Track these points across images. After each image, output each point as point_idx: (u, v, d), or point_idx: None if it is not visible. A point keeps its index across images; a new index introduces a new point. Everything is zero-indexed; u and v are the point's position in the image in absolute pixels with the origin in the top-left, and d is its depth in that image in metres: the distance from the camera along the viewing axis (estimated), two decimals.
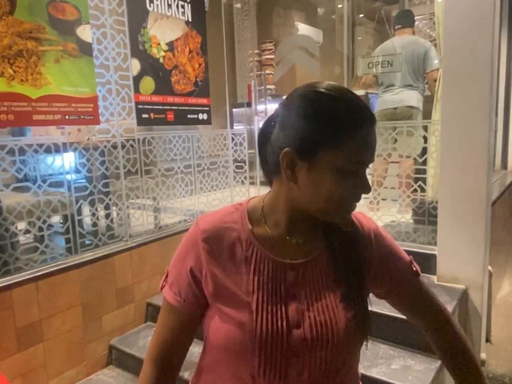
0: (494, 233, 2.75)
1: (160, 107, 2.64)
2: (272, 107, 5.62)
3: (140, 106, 2.51)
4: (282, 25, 7.41)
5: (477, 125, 2.10)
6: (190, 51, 2.81)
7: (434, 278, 2.30)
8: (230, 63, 4.42)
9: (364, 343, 0.79)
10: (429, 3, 3.26)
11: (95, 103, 2.21)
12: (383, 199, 2.91)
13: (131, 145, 2.49)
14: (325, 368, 0.74)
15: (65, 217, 2.23)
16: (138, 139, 2.53)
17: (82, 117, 2.15)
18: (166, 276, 0.83)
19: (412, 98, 3.34)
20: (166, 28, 2.64)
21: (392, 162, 3.09)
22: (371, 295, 0.85)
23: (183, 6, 2.74)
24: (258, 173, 3.54)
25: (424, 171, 2.65)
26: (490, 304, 2.48)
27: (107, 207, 2.44)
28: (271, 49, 6.11)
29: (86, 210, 2.34)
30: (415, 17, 3.72)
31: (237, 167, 3.44)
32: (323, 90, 0.70)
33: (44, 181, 2.07)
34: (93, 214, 2.34)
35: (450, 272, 2.25)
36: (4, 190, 1.94)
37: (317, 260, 0.79)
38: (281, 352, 0.72)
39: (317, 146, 0.69)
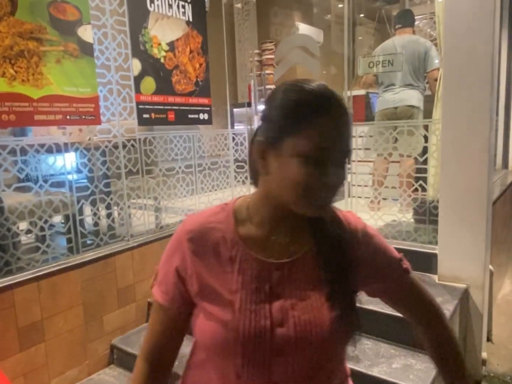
0: (495, 232, 2.75)
1: (161, 107, 2.64)
2: None
3: (141, 106, 2.52)
4: (283, 25, 7.41)
5: (477, 124, 2.11)
6: (191, 51, 2.82)
7: (435, 277, 2.31)
8: (230, 63, 4.43)
9: (351, 342, 0.79)
10: (429, 2, 3.27)
11: (96, 103, 2.22)
12: (384, 199, 2.91)
13: (132, 145, 2.49)
14: (310, 367, 0.74)
15: (66, 217, 2.24)
16: (139, 139, 2.53)
17: (84, 117, 2.16)
18: (156, 275, 0.84)
19: (413, 97, 3.34)
20: (167, 28, 2.65)
21: (392, 162, 3.09)
22: (364, 294, 0.85)
23: (183, 6, 2.74)
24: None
25: (425, 170, 2.65)
26: (491, 303, 2.48)
27: (108, 207, 2.45)
28: (271, 49, 6.11)
29: (87, 210, 2.34)
30: (416, 17, 3.73)
31: (238, 167, 3.44)
32: (295, 82, 0.72)
33: (45, 181, 2.07)
34: (95, 214, 2.35)
35: (451, 271, 2.25)
36: (6, 190, 1.94)
37: (303, 259, 0.79)
38: (264, 351, 0.72)
39: (282, 133, 0.70)
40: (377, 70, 2.81)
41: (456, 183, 2.20)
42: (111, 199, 2.42)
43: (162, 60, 2.63)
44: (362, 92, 4.32)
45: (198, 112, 2.91)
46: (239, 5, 5.55)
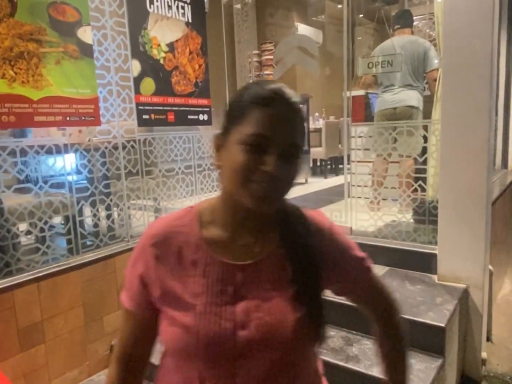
0: (494, 232, 2.76)
1: (161, 108, 2.65)
2: None
3: (140, 107, 2.52)
4: (282, 26, 7.42)
5: (477, 124, 2.11)
6: (191, 52, 2.82)
7: (435, 277, 2.31)
8: (230, 63, 4.43)
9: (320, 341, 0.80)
10: (428, 3, 3.27)
11: (96, 104, 2.22)
12: (384, 199, 2.91)
13: (132, 146, 2.49)
14: (274, 368, 0.74)
15: (66, 218, 2.24)
16: (139, 140, 2.54)
17: (83, 118, 2.16)
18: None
19: (412, 98, 3.34)
20: (167, 29, 2.65)
21: (392, 162, 3.10)
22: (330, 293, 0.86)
23: (183, 7, 2.75)
24: None
25: (424, 171, 2.65)
26: (491, 303, 2.48)
27: (108, 208, 2.45)
28: (271, 50, 6.13)
29: (87, 211, 2.35)
30: (415, 17, 3.73)
31: None
32: (252, 82, 0.78)
33: (45, 182, 2.07)
34: (94, 215, 2.35)
35: (450, 271, 2.25)
36: (5, 192, 1.94)
37: (268, 260, 0.79)
38: (227, 353, 0.72)
39: (230, 124, 0.74)
40: (376, 71, 2.82)
41: (455, 183, 2.20)
42: (111, 200, 2.42)
43: (161, 61, 2.64)
44: (361, 92, 4.32)
45: (197, 113, 2.91)
46: (238, 6, 5.55)
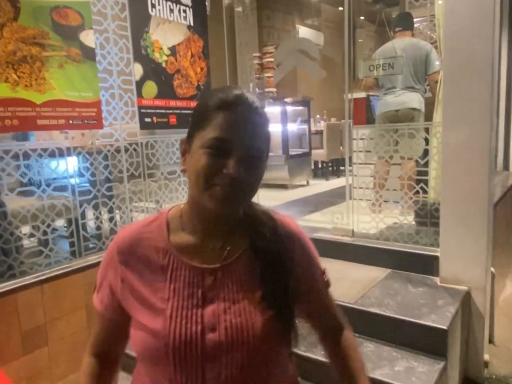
0: (496, 234, 2.75)
1: (163, 111, 2.66)
2: (272, 110, 5.64)
3: (142, 110, 2.53)
4: (283, 28, 7.43)
5: (478, 127, 2.11)
6: (192, 55, 2.83)
7: (436, 280, 2.31)
8: (231, 66, 4.45)
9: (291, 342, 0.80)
10: (429, 5, 3.28)
11: (99, 108, 2.23)
12: (385, 201, 2.91)
13: (134, 149, 2.50)
14: (244, 371, 0.74)
15: (69, 221, 2.25)
16: (141, 143, 2.54)
17: (86, 121, 2.17)
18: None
19: (414, 100, 3.35)
20: (168, 32, 2.66)
21: (394, 164, 3.10)
22: None
23: (185, 11, 2.76)
24: None
25: (426, 173, 2.65)
26: (493, 305, 2.48)
27: (110, 211, 2.46)
28: (272, 52, 6.14)
29: (90, 213, 2.36)
30: (416, 19, 3.74)
31: None
32: (214, 88, 0.79)
33: (48, 185, 2.08)
34: (97, 218, 2.36)
35: (452, 274, 2.25)
36: (9, 195, 1.95)
37: (237, 263, 0.80)
38: (196, 356, 0.73)
39: (194, 129, 0.76)
40: (378, 73, 2.82)
41: (457, 186, 2.21)
42: (113, 203, 2.43)
43: (163, 65, 2.65)
44: (362, 95, 4.33)
45: None
46: (239, 9, 5.57)
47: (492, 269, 2.28)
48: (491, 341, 2.55)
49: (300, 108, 5.95)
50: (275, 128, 5.50)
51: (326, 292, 0.92)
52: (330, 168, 6.46)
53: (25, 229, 2.13)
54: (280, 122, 5.42)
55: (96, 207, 2.34)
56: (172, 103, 2.72)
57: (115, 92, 2.36)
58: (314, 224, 3.18)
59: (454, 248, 2.24)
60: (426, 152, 2.66)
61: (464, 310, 2.18)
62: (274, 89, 6.34)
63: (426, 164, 2.65)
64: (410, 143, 2.70)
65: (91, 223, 2.40)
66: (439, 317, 1.92)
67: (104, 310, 0.84)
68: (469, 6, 2.08)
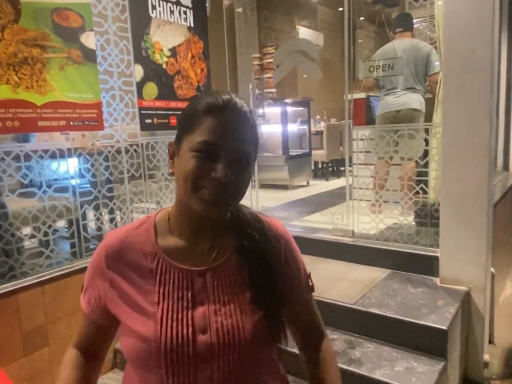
0: (496, 235, 2.76)
1: (163, 112, 2.66)
2: (273, 110, 5.64)
3: (143, 112, 2.53)
4: (283, 29, 7.44)
5: (478, 127, 2.12)
6: (193, 57, 2.84)
7: (436, 280, 2.31)
8: (232, 67, 4.46)
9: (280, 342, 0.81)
10: (429, 5, 3.29)
11: (99, 109, 2.23)
12: (385, 202, 2.92)
13: (135, 150, 2.51)
14: (235, 372, 0.75)
15: (70, 222, 2.25)
16: (142, 144, 2.55)
17: (87, 123, 2.18)
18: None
19: (415, 100, 3.36)
20: (169, 34, 2.67)
21: (393, 165, 3.11)
22: None
23: (185, 12, 2.77)
24: (256, 176, 3.58)
25: (426, 173, 2.66)
26: (492, 306, 2.48)
27: (111, 212, 2.46)
28: (272, 53, 6.15)
29: (90, 214, 2.36)
30: (415, 19, 3.74)
31: None
32: (203, 92, 0.78)
33: (49, 187, 2.09)
34: (98, 219, 2.36)
35: (452, 274, 2.26)
36: (10, 196, 1.96)
37: (226, 265, 0.80)
38: (187, 359, 0.73)
39: (182, 133, 0.76)
40: (377, 74, 2.83)
41: (457, 186, 2.21)
42: (114, 204, 2.44)
43: (164, 66, 2.65)
44: (362, 95, 4.34)
45: None
46: (239, 10, 5.58)
47: (492, 269, 2.29)
48: (491, 341, 2.56)
49: (300, 108, 5.96)
50: (275, 129, 5.51)
51: (309, 297, 0.92)
52: (330, 169, 6.46)
53: (26, 230, 2.14)
54: (280, 122, 5.43)
55: (96, 208, 2.34)
56: (173, 104, 2.72)
57: (115, 93, 2.37)
58: (314, 225, 3.19)
59: (454, 249, 2.25)
60: (426, 153, 2.66)
61: (464, 311, 2.18)
62: (274, 90, 6.35)
63: (426, 165, 2.65)
64: (410, 143, 2.70)
65: (92, 224, 2.41)
66: (439, 317, 1.93)
67: (90, 313, 0.85)
68: (468, 7, 2.09)
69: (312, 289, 0.92)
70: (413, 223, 2.77)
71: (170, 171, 0.80)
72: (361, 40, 7.63)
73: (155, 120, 2.61)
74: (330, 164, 6.42)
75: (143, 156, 2.56)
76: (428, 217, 2.63)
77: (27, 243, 2.15)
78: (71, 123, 2.11)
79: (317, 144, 6.29)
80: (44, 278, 2.01)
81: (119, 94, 2.39)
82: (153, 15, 2.57)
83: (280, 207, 4.19)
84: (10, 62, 1.87)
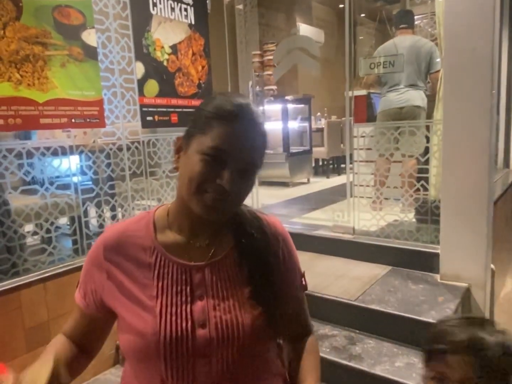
0: (496, 231, 2.76)
1: (164, 109, 2.67)
2: (273, 108, 5.64)
3: (144, 109, 2.54)
4: (284, 26, 7.42)
5: (478, 124, 2.12)
6: (193, 54, 2.84)
7: (437, 277, 2.32)
8: (232, 64, 4.45)
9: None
10: (430, 1, 3.28)
11: (101, 106, 2.24)
12: (386, 199, 2.93)
13: (136, 147, 2.51)
14: (234, 366, 0.75)
15: (72, 219, 2.27)
16: (143, 141, 2.56)
17: (88, 120, 2.18)
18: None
19: (418, 97, 3.36)
20: (170, 31, 2.67)
21: (394, 162, 3.11)
22: None
23: (186, 9, 2.77)
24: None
25: (426, 171, 2.66)
26: (492, 302, 2.49)
27: (113, 209, 2.47)
28: (273, 50, 6.13)
29: (92, 211, 2.37)
30: (416, 16, 3.74)
31: None
32: (221, 93, 0.78)
33: (51, 184, 2.10)
34: (100, 216, 2.37)
35: (453, 271, 2.27)
36: (12, 193, 1.97)
37: (225, 261, 0.81)
38: (187, 353, 0.73)
39: (193, 131, 0.76)
40: (378, 71, 2.83)
41: (457, 183, 2.22)
42: (116, 201, 2.45)
43: (165, 63, 2.66)
44: (363, 92, 4.34)
45: None
46: (240, 6, 5.56)
47: (492, 266, 2.29)
48: None
49: (301, 105, 5.96)
50: (275, 126, 5.51)
51: (302, 295, 0.93)
52: (331, 166, 6.47)
53: (29, 227, 2.15)
54: (281, 120, 5.43)
55: (98, 205, 2.35)
56: (174, 101, 2.73)
57: (117, 90, 2.37)
58: (315, 222, 3.19)
59: (454, 245, 2.26)
60: (426, 150, 2.67)
61: (464, 307, 2.19)
62: (274, 87, 6.35)
63: (426, 162, 2.65)
64: (411, 140, 2.71)
65: (93, 221, 2.42)
66: (439, 313, 1.94)
67: (85, 307, 0.84)
68: (469, 4, 2.09)
69: (305, 287, 0.93)
70: (414, 220, 2.78)
71: (174, 166, 0.80)
72: (362, 37, 7.61)
73: (156, 117, 2.61)
74: (330, 161, 6.42)
75: (145, 154, 2.57)
76: (428, 214, 2.63)
77: (29, 240, 2.16)
78: (73, 120, 2.11)
79: (318, 141, 6.29)
80: (47, 274, 2.02)
81: (120, 91, 2.40)
82: (154, 12, 2.57)
83: (280, 204, 4.20)
84: (12, 60, 1.88)
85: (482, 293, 2.21)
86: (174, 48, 2.71)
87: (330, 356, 1.89)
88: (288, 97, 5.65)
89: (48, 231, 2.12)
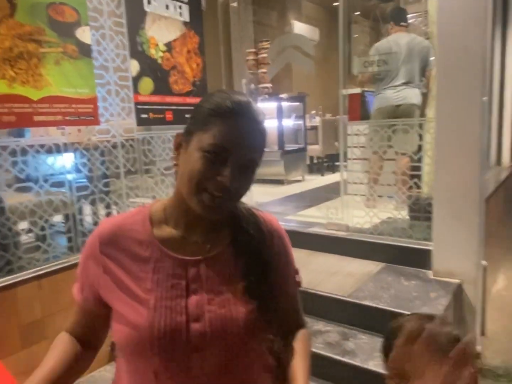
0: (489, 228, 2.80)
1: (159, 107, 2.67)
2: (268, 105, 5.65)
3: (139, 106, 2.54)
4: (279, 24, 7.42)
5: (470, 123, 2.15)
6: (188, 51, 2.84)
7: (429, 273, 2.35)
8: (227, 62, 4.46)
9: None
10: (424, 0, 3.31)
11: (95, 104, 2.24)
12: (380, 196, 2.95)
13: (131, 145, 2.52)
14: (227, 360, 0.76)
15: (66, 217, 2.27)
16: (138, 139, 2.56)
17: (82, 117, 2.18)
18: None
19: (415, 95, 3.38)
20: (164, 29, 2.67)
21: (388, 160, 3.13)
22: None
23: (180, 7, 2.77)
24: None
25: (419, 168, 2.69)
26: (485, 298, 2.52)
27: (107, 206, 2.47)
28: (267, 48, 6.14)
29: (87, 209, 2.37)
30: (410, 14, 3.77)
31: None
32: (221, 90, 0.79)
33: (45, 181, 2.10)
34: (94, 213, 2.37)
35: (445, 267, 2.29)
36: (6, 190, 1.97)
37: (221, 256, 0.82)
38: (181, 346, 0.74)
39: (194, 128, 0.76)
40: (373, 69, 2.85)
41: (449, 181, 2.24)
42: (110, 198, 2.45)
43: (159, 61, 2.66)
44: (357, 90, 4.36)
45: None
46: (235, 4, 5.56)
47: (484, 262, 2.32)
48: (483, 333, 2.60)
49: (296, 103, 5.97)
50: (270, 124, 5.52)
51: (295, 291, 0.94)
52: (326, 164, 6.49)
53: (23, 225, 2.15)
54: (276, 117, 5.44)
55: (93, 202, 2.36)
56: (168, 99, 2.73)
57: (111, 88, 2.38)
58: (309, 219, 3.21)
59: (446, 242, 2.28)
60: (420, 148, 2.69)
61: (456, 303, 2.22)
62: (269, 85, 6.36)
63: (419, 159, 2.68)
64: (405, 138, 2.73)
65: (88, 219, 2.42)
66: (431, 309, 1.96)
67: (83, 301, 0.85)
68: (461, 3, 2.11)
69: (299, 284, 0.94)
70: (407, 217, 2.81)
71: (174, 163, 0.80)
72: (356, 35, 7.63)
73: (151, 115, 2.62)
74: (325, 159, 6.45)
75: (139, 151, 2.57)
76: (421, 211, 2.66)
77: (24, 238, 2.16)
78: (67, 118, 2.11)
79: (313, 139, 6.31)
80: (41, 272, 2.02)
81: (115, 89, 2.40)
82: (148, 10, 2.57)
83: (275, 202, 4.21)
84: (6, 57, 1.87)
85: (473, 289, 2.24)
86: (169, 46, 2.71)
87: (324, 352, 1.91)
88: (283, 95, 5.66)
89: (42, 228, 2.12)
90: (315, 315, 2.22)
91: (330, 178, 5.69)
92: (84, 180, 2.39)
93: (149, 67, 2.59)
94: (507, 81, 4.74)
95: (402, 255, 2.51)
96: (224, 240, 0.84)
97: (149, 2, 2.57)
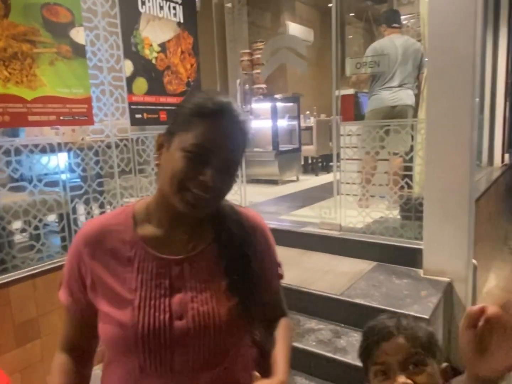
0: (480, 228, 2.83)
1: (153, 107, 2.69)
2: (262, 106, 5.67)
3: (133, 107, 2.56)
4: (273, 25, 7.44)
5: (460, 124, 2.18)
6: (182, 52, 2.86)
7: (420, 272, 2.38)
8: (221, 62, 4.48)
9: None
10: (417, 2, 3.34)
11: (89, 104, 2.25)
12: (372, 196, 2.98)
13: (125, 145, 2.53)
14: (210, 355, 0.78)
15: (60, 216, 2.27)
16: (132, 139, 2.57)
17: (76, 117, 2.19)
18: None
19: (410, 96, 3.42)
20: (158, 29, 2.69)
21: (380, 160, 3.16)
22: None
23: (174, 8, 2.78)
24: (244, 171, 3.62)
25: (410, 168, 2.72)
26: (475, 297, 2.55)
27: (101, 206, 2.48)
28: (262, 49, 6.16)
29: (81, 209, 2.38)
30: (403, 16, 3.80)
31: None
32: (204, 91, 0.80)
33: (39, 181, 2.10)
34: (88, 213, 2.38)
35: (435, 266, 2.32)
36: (0, 190, 1.97)
37: (204, 254, 0.83)
38: (164, 344, 0.76)
39: (176, 129, 0.77)
40: (365, 71, 2.87)
41: (440, 181, 2.27)
42: (104, 198, 2.46)
43: (153, 61, 2.67)
44: (351, 91, 4.39)
45: None
46: (229, 5, 5.59)
47: (474, 261, 2.36)
48: None
49: (290, 104, 5.99)
50: (265, 124, 5.54)
51: (278, 284, 0.96)
52: (320, 164, 6.52)
53: (17, 224, 2.15)
54: (270, 118, 5.46)
55: (87, 202, 2.36)
56: (163, 99, 2.75)
57: (105, 88, 2.39)
58: (303, 219, 3.24)
59: (437, 241, 2.31)
60: (411, 148, 2.72)
61: (447, 301, 2.25)
62: (264, 86, 6.38)
63: (411, 160, 2.71)
64: (397, 139, 2.76)
65: (82, 218, 2.43)
66: (421, 307, 1.99)
67: (72, 305, 0.85)
68: (452, 5, 2.14)
69: (281, 277, 0.97)
70: (398, 216, 2.84)
71: (156, 162, 0.81)
72: (350, 36, 7.67)
73: (145, 115, 2.63)
74: (319, 159, 6.48)
75: (133, 151, 2.58)
76: (412, 211, 2.69)
77: (18, 237, 2.17)
78: (61, 117, 2.12)
79: (307, 139, 6.33)
80: (35, 271, 2.03)
81: (109, 89, 2.41)
82: (142, 11, 2.58)
83: (269, 202, 4.24)
84: (0, 57, 1.88)
85: (464, 288, 2.27)
86: (163, 46, 2.73)
87: (316, 349, 1.93)
88: (277, 96, 5.68)
89: (36, 228, 2.12)
90: (307, 313, 2.24)
91: (324, 178, 5.72)
92: (78, 180, 2.40)
93: (143, 67, 2.61)
94: (499, 82, 4.80)
95: (393, 254, 2.53)
96: (207, 238, 0.85)
97: (143, 3, 2.58)
